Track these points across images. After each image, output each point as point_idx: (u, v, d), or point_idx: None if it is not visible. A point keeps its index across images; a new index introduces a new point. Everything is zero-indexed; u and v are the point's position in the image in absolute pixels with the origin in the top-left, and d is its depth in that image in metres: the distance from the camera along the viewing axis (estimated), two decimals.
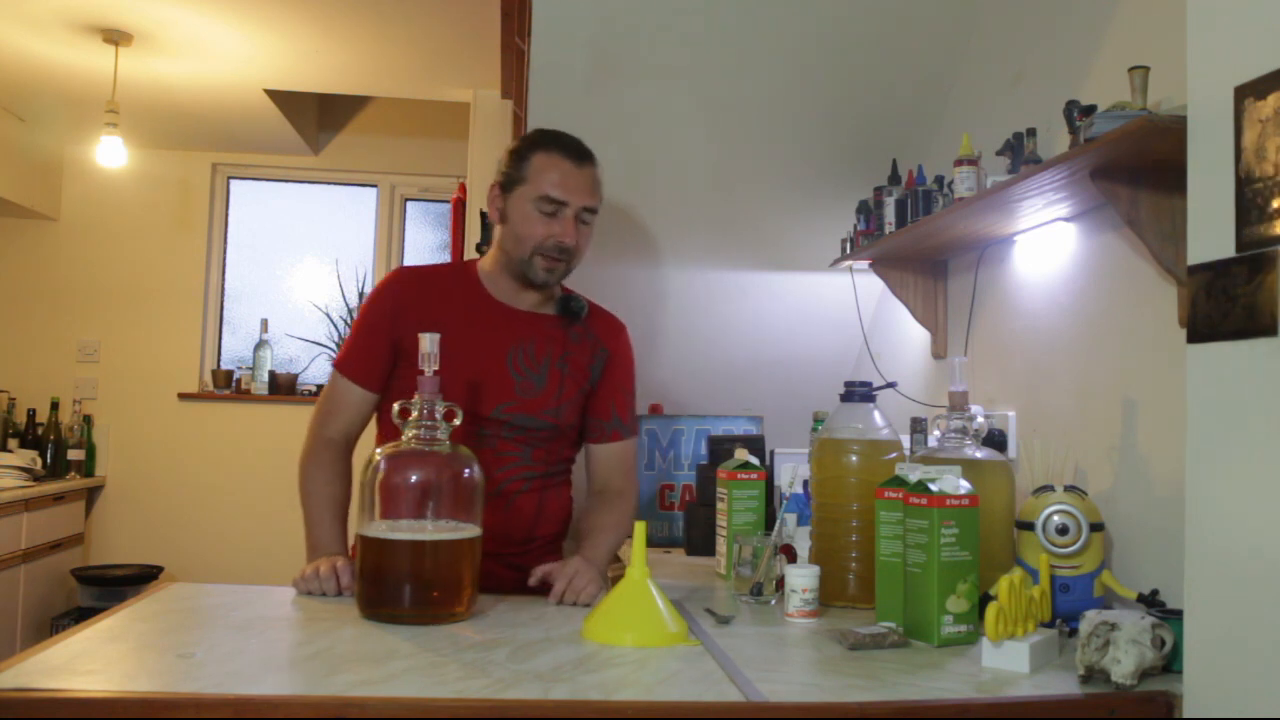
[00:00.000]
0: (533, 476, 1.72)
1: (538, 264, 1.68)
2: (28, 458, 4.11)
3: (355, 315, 1.82)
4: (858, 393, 1.69)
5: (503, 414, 1.68)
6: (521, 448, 1.71)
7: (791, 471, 1.87)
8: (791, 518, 1.79)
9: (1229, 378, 1.05)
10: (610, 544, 1.74)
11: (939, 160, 2.21)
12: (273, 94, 3.98)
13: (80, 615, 4.02)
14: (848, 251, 2.47)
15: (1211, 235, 1.08)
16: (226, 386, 4.59)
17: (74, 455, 4.34)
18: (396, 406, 1.44)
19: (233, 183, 4.82)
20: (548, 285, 1.73)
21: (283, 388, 4.58)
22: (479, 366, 1.69)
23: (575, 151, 1.70)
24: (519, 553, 1.71)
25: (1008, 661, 1.23)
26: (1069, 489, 1.52)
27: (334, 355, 4.56)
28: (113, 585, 4.16)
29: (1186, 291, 1.12)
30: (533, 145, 1.71)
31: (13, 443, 4.25)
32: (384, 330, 1.71)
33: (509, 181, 1.71)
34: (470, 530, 1.40)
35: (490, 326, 1.72)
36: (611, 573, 2.48)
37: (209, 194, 4.71)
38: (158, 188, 4.65)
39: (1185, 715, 1.10)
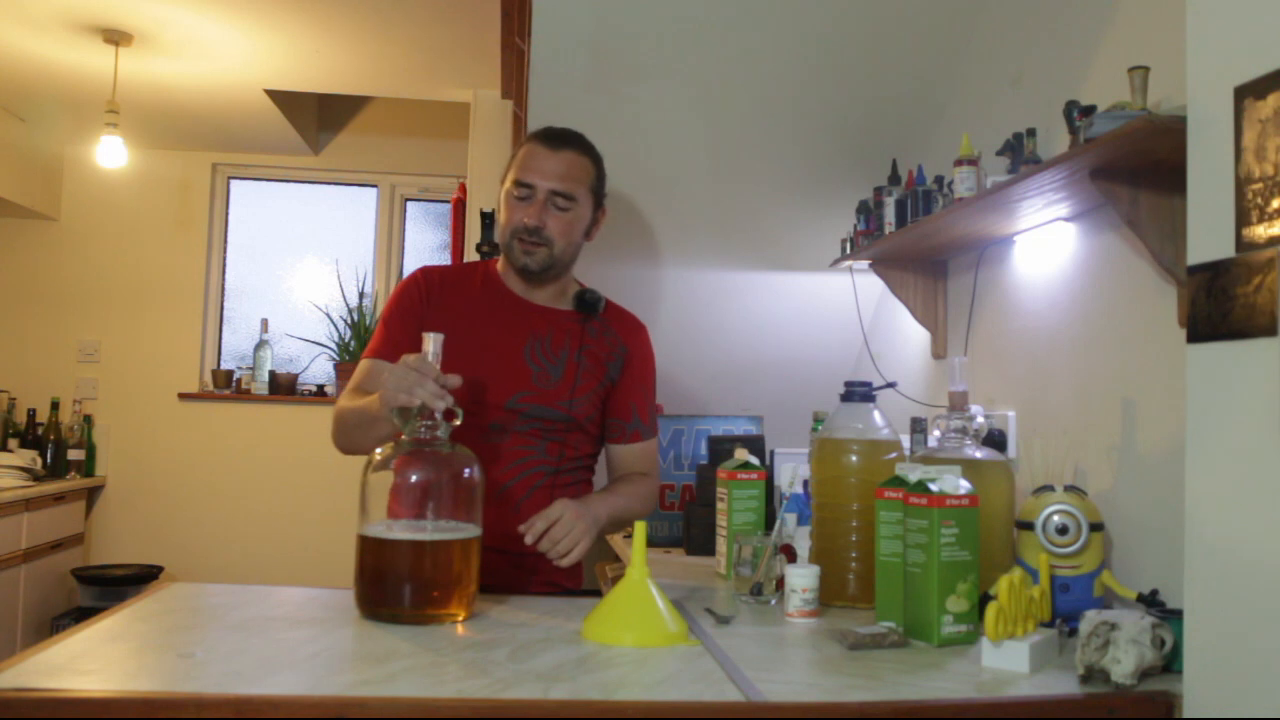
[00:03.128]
0: (547, 471, 1.72)
1: (515, 248, 1.73)
2: (28, 458, 4.11)
3: (357, 320, 1.84)
4: (858, 393, 1.69)
5: (519, 404, 1.70)
6: (536, 441, 1.72)
7: (791, 471, 1.86)
8: (791, 518, 1.79)
9: (1229, 378, 1.05)
10: (618, 505, 1.73)
11: (939, 160, 2.21)
12: (273, 94, 3.98)
13: (80, 615, 4.03)
14: (848, 251, 2.47)
15: (1211, 235, 1.08)
16: (226, 386, 4.59)
17: (74, 455, 4.34)
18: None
19: (233, 183, 4.82)
20: (527, 270, 1.74)
21: (283, 388, 4.58)
22: (497, 357, 1.72)
23: (551, 137, 1.74)
24: (530, 551, 1.64)
25: (1008, 661, 1.23)
26: (1069, 489, 1.52)
27: (334, 355, 4.58)
28: (113, 585, 4.16)
29: (1186, 291, 1.12)
30: (524, 140, 1.78)
31: (13, 443, 4.25)
32: (414, 317, 1.74)
33: (504, 176, 1.78)
34: (470, 530, 1.40)
35: (509, 319, 1.76)
36: (612, 573, 2.49)
37: (209, 194, 4.71)
38: (158, 188, 4.65)
39: (1185, 715, 1.10)
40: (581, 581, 1.85)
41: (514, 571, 1.66)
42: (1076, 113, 1.57)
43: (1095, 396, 1.73)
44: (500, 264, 1.83)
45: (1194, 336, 1.10)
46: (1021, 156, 1.76)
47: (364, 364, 1.75)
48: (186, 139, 4.55)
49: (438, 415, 1.42)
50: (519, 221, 1.71)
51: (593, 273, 2.87)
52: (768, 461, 2.23)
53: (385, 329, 1.77)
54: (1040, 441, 1.74)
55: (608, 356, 1.79)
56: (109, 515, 4.52)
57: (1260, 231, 1.01)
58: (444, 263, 4.06)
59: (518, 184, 1.72)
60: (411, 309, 1.76)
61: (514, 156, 1.77)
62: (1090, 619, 1.20)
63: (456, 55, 3.52)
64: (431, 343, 1.43)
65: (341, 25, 3.31)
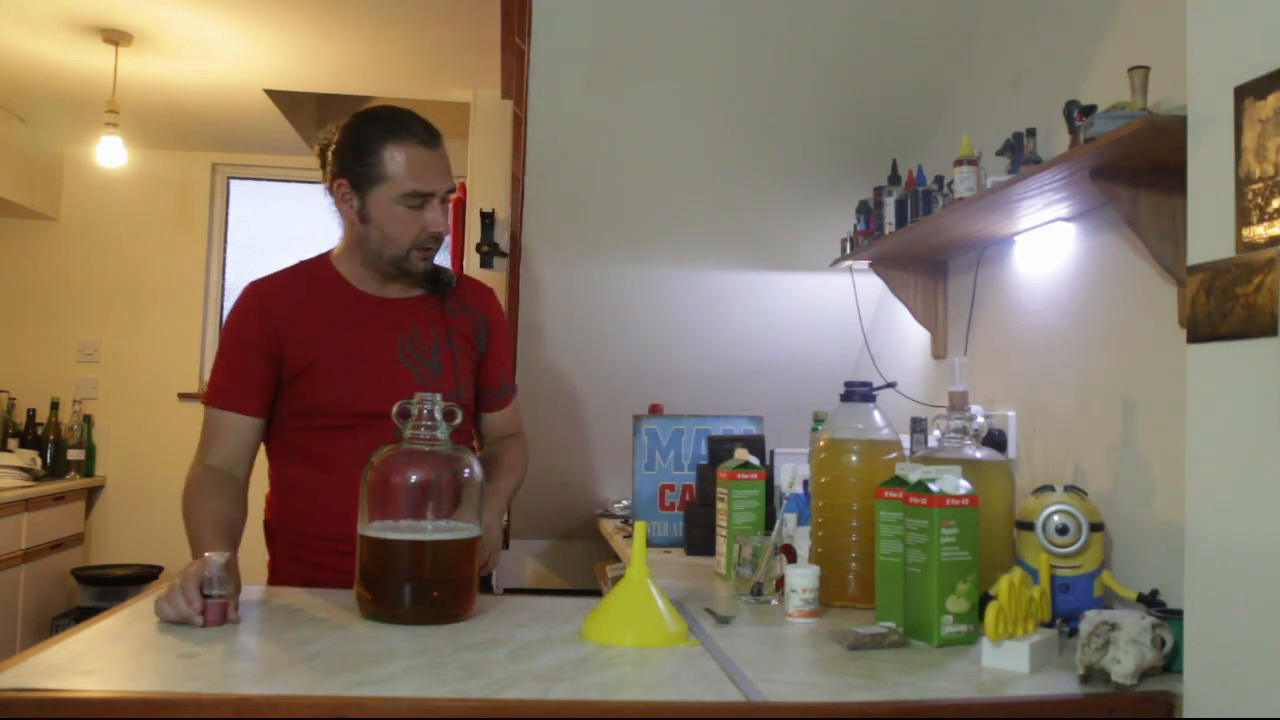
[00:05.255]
0: None
1: (415, 257, 1.64)
2: (28, 458, 4.11)
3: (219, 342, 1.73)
4: (858, 393, 1.69)
5: None
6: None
7: (791, 471, 1.86)
8: (791, 518, 1.79)
9: (1229, 378, 1.05)
10: (504, 496, 1.76)
11: (939, 160, 2.21)
12: (273, 94, 3.98)
13: (80, 615, 4.02)
14: (848, 251, 2.47)
15: (1211, 235, 1.08)
16: None
17: (74, 455, 4.35)
18: (396, 407, 1.43)
19: (233, 183, 4.83)
20: (424, 272, 1.68)
21: None
22: (373, 368, 1.64)
23: (426, 135, 1.61)
24: None
25: (1008, 661, 1.23)
26: (1069, 489, 1.52)
27: None
28: (113, 585, 4.17)
29: (1186, 291, 1.12)
30: (381, 136, 1.59)
31: (13, 443, 4.25)
32: (257, 350, 1.63)
33: (363, 180, 1.60)
34: (470, 530, 1.40)
35: (369, 323, 1.67)
36: (612, 573, 2.48)
37: (209, 194, 4.71)
38: (158, 188, 4.65)
39: (1185, 715, 1.10)
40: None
41: None
42: (1076, 113, 1.57)
43: (1095, 396, 1.73)
44: (343, 258, 1.70)
45: (1194, 336, 1.10)
46: (1021, 156, 1.76)
47: (209, 417, 1.63)
48: (186, 139, 4.55)
49: (437, 416, 1.42)
50: (428, 230, 1.61)
51: (593, 273, 2.88)
52: (768, 461, 2.23)
53: (225, 366, 1.65)
54: (1040, 441, 1.74)
55: (474, 332, 1.76)
56: (109, 515, 4.52)
57: (1260, 231, 1.01)
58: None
59: (414, 194, 1.59)
60: (254, 341, 1.63)
61: (378, 157, 1.58)
62: (1090, 619, 1.20)
63: (456, 55, 3.53)
64: (211, 566, 1.31)
65: (341, 25, 3.31)
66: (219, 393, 1.64)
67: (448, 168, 1.64)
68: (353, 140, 1.62)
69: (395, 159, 1.59)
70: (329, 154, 1.65)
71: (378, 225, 1.62)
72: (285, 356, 1.63)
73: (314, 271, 1.72)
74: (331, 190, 1.66)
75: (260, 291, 1.68)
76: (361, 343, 1.65)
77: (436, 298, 1.72)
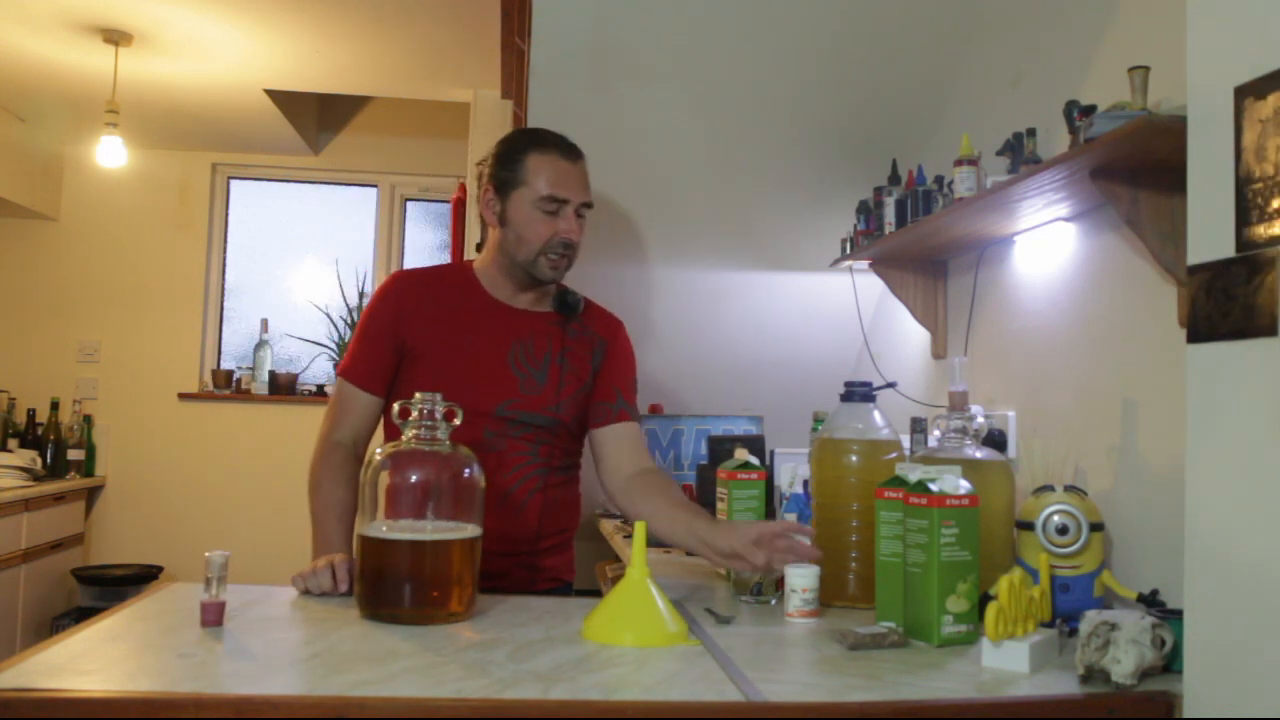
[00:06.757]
0: (541, 474, 1.74)
1: (543, 263, 1.71)
2: (28, 458, 4.11)
3: (358, 319, 1.83)
4: (858, 393, 1.69)
5: (507, 411, 1.71)
6: (529, 445, 1.73)
7: (791, 471, 1.87)
8: (791, 518, 1.79)
9: (1229, 378, 1.05)
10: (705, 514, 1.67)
11: (939, 160, 2.21)
12: (273, 94, 3.98)
13: (80, 615, 4.02)
14: (848, 251, 2.47)
15: (1211, 235, 1.08)
16: (226, 386, 4.59)
17: (74, 455, 4.34)
18: (396, 406, 1.44)
19: (233, 183, 4.82)
20: (555, 281, 1.76)
21: (283, 387, 4.58)
22: (482, 365, 1.72)
23: (568, 150, 1.74)
24: (530, 551, 1.74)
25: (1008, 661, 1.23)
26: (1069, 489, 1.52)
27: (334, 355, 4.58)
28: (113, 585, 4.17)
29: (1186, 291, 1.12)
30: (525, 146, 1.72)
31: (13, 443, 4.25)
32: (386, 335, 1.74)
33: (505, 184, 1.72)
34: (470, 530, 1.40)
35: (491, 325, 1.75)
36: (612, 573, 2.48)
37: (209, 194, 4.71)
38: (158, 188, 4.65)
39: (1185, 715, 1.10)
40: (574, 573, 1.88)
41: (524, 573, 1.72)
42: (1076, 113, 1.57)
43: (1095, 396, 1.73)
44: (482, 267, 1.80)
45: (1194, 336, 1.10)
46: (1021, 156, 1.76)
47: (339, 387, 1.77)
48: (186, 139, 4.55)
49: (438, 415, 1.42)
50: (560, 236, 1.69)
51: (592, 273, 2.87)
52: (768, 461, 2.23)
53: (359, 344, 1.77)
54: (1040, 441, 1.74)
55: (589, 356, 1.81)
56: (109, 515, 4.52)
57: (1260, 231, 1.01)
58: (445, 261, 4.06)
59: (551, 199, 1.68)
60: (383, 327, 1.74)
61: (521, 164, 1.70)
62: (1090, 619, 1.20)
63: (456, 55, 3.53)
64: (211, 566, 1.31)
65: (341, 25, 3.31)
66: (348, 368, 1.76)
67: (586, 183, 1.73)
68: (502, 150, 1.75)
69: (535, 165, 1.70)
70: (483, 169, 1.78)
71: (514, 228, 1.71)
72: (406, 343, 1.73)
73: (453, 272, 1.84)
74: (480, 197, 1.77)
75: (398, 280, 1.81)
76: (475, 340, 1.74)
77: (561, 317, 1.79)
